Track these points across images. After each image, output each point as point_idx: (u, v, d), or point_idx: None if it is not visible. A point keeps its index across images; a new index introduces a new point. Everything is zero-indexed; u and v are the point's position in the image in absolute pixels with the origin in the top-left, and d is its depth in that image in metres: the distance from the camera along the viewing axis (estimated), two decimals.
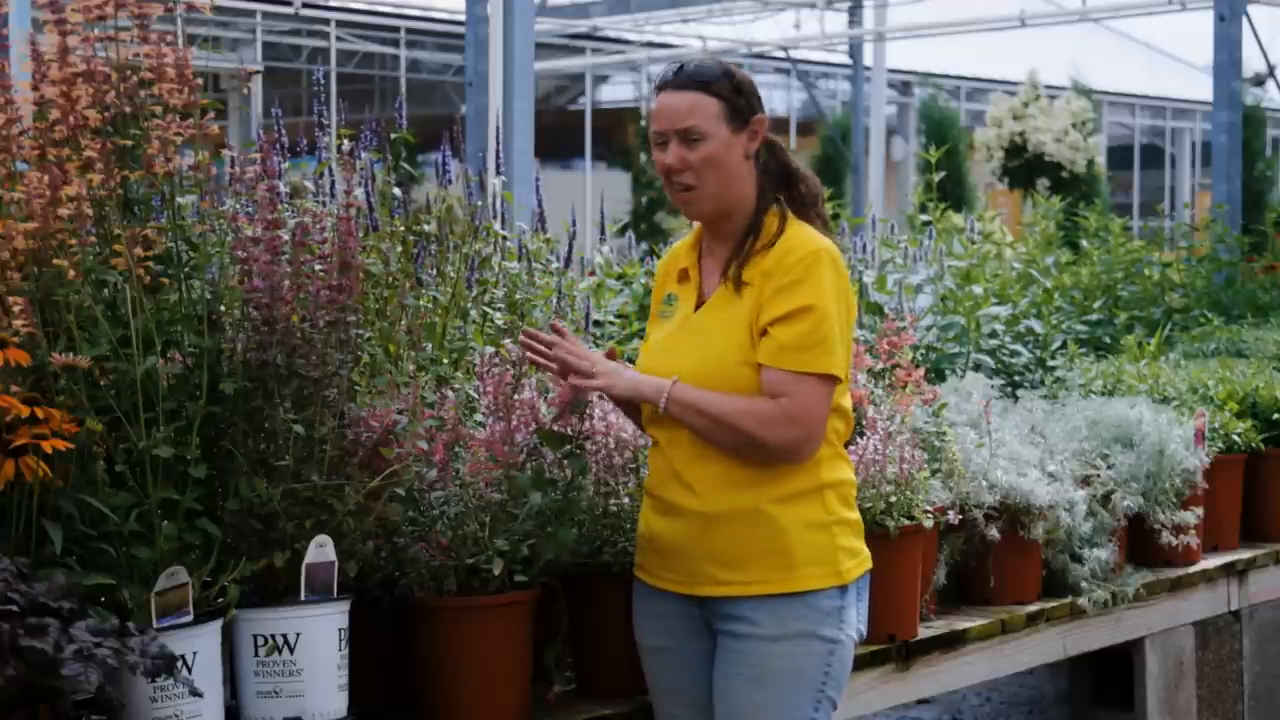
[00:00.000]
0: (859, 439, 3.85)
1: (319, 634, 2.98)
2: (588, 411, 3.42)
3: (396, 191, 4.25)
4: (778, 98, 22.11)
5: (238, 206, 3.20)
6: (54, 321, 2.89)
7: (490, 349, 3.73)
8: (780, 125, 21.55)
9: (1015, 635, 4.42)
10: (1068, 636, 4.61)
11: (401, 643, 3.31)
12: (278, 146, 3.67)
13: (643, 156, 19.20)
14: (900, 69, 21.37)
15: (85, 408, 2.84)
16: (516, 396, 3.38)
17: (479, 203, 4.43)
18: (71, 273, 2.85)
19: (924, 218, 7.16)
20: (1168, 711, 4.97)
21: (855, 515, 3.17)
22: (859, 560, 3.14)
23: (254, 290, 3.02)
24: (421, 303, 4.05)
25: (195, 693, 2.74)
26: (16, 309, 2.82)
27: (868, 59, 19.61)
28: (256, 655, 2.96)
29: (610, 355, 3.18)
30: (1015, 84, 16.29)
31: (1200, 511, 4.92)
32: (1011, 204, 16.71)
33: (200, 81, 3.04)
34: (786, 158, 3.20)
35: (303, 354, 3.02)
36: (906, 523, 3.92)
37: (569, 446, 3.37)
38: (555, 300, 4.48)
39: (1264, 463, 5.44)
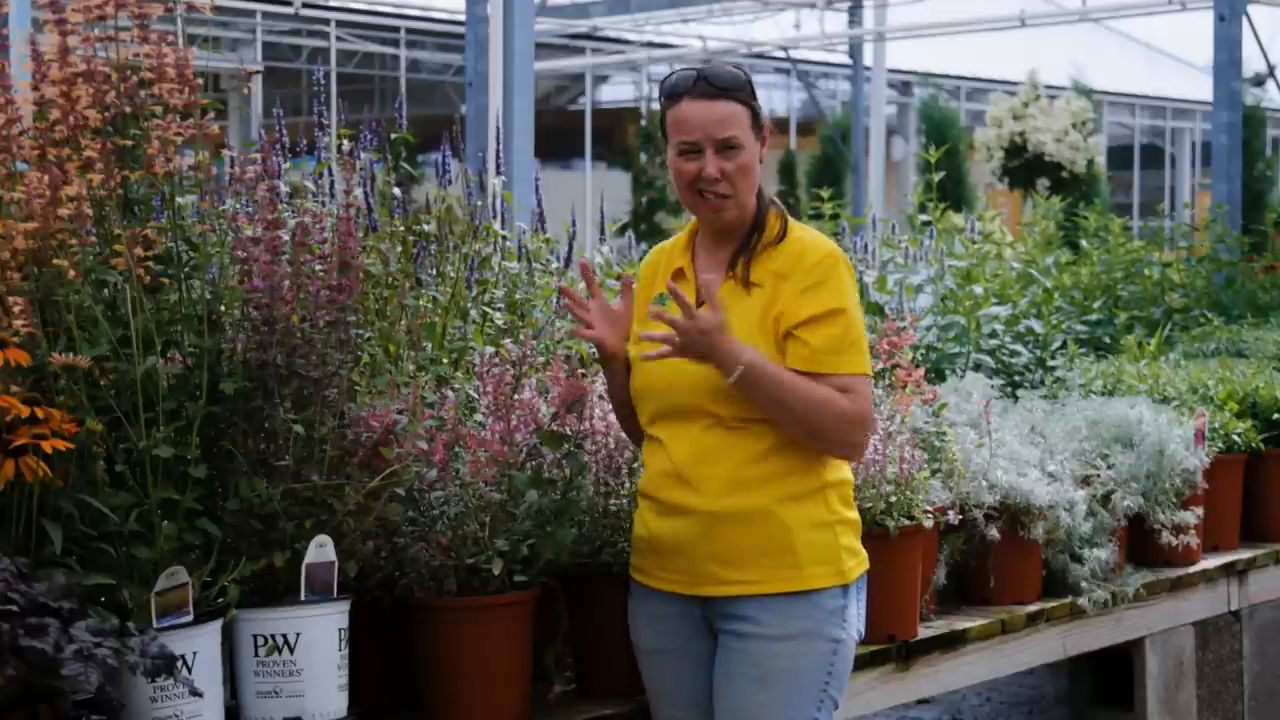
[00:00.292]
0: None
1: (319, 634, 2.98)
2: (587, 411, 3.42)
3: (396, 191, 4.25)
4: (778, 98, 22.13)
5: (238, 206, 3.20)
6: (54, 321, 2.89)
7: (490, 349, 3.73)
8: (780, 125, 21.57)
9: (1015, 635, 4.42)
10: (1068, 636, 4.61)
11: (401, 643, 3.31)
12: (278, 146, 3.67)
13: (643, 156, 19.21)
14: (900, 69, 21.38)
15: (85, 408, 2.84)
16: (516, 396, 3.38)
17: (479, 203, 4.44)
18: (71, 273, 2.85)
19: (924, 218, 7.15)
20: (1168, 711, 4.97)
21: (855, 515, 3.18)
22: (859, 560, 3.15)
23: (254, 290, 3.02)
24: (421, 303, 4.05)
25: (195, 693, 2.74)
26: (16, 309, 2.82)
27: (868, 59, 19.62)
28: (256, 655, 2.96)
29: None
30: (1015, 84, 16.29)
31: (1200, 511, 4.92)
32: (1011, 204, 16.71)
33: (200, 81, 3.04)
34: None
35: (303, 354, 3.02)
36: (906, 523, 3.92)
37: (568, 446, 3.37)
38: (555, 300, 4.48)
39: (1264, 463, 5.44)
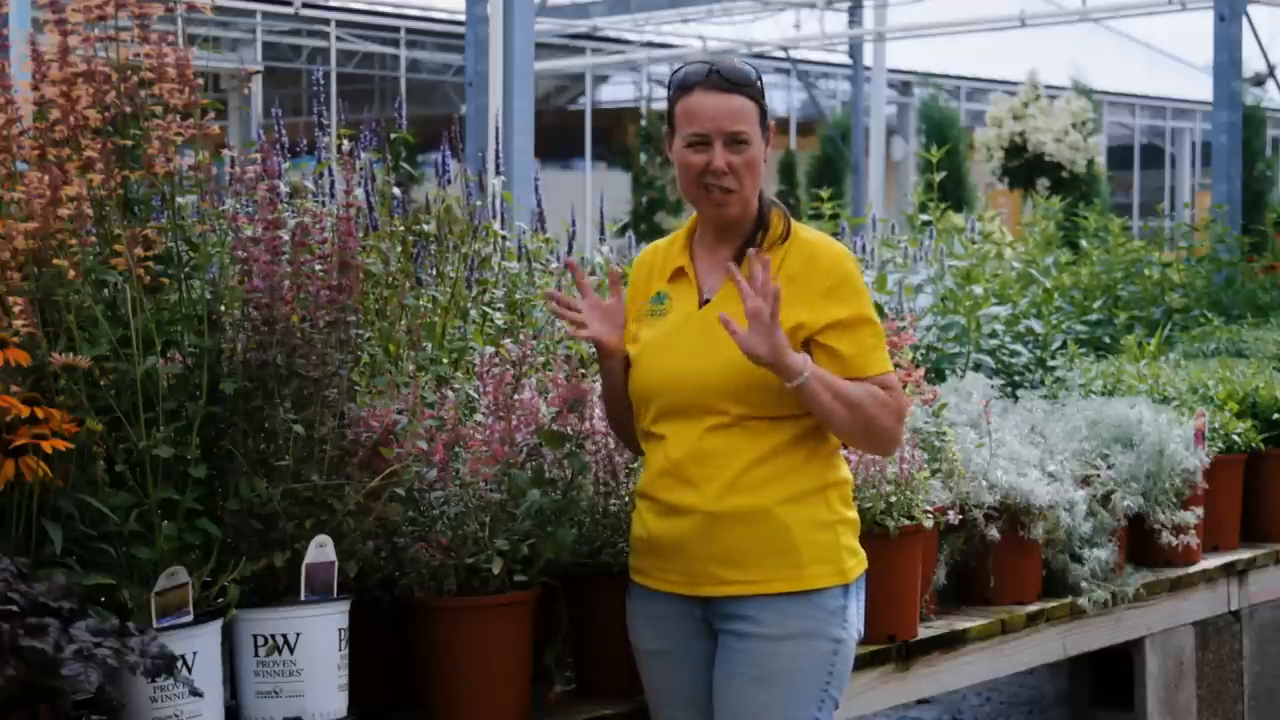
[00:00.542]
0: None
1: (319, 634, 2.98)
2: (587, 411, 3.42)
3: (396, 191, 4.25)
4: (778, 98, 22.13)
5: (238, 206, 3.20)
6: (54, 321, 2.89)
7: (490, 349, 3.73)
8: (780, 125, 21.56)
9: (1015, 635, 4.42)
10: (1068, 636, 4.61)
11: (401, 643, 3.31)
12: (278, 146, 3.67)
13: (643, 156, 19.22)
14: (900, 69, 21.38)
15: (85, 408, 2.84)
16: (516, 396, 3.38)
17: (478, 203, 4.44)
18: (71, 273, 2.85)
19: (924, 218, 7.15)
20: (1168, 711, 4.97)
21: (855, 515, 3.18)
22: (859, 560, 3.15)
23: (254, 290, 3.02)
24: (421, 303, 4.05)
25: (195, 693, 2.75)
26: (16, 309, 2.82)
27: (868, 59, 19.63)
28: (256, 655, 2.96)
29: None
30: (1015, 84, 16.29)
31: (1200, 511, 4.92)
32: (1011, 204, 16.71)
33: (200, 81, 3.04)
34: None
35: (303, 354, 3.02)
36: (906, 523, 3.92)
37: (569, 446, 3.37)
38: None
39: (1264, 463, 5.44)
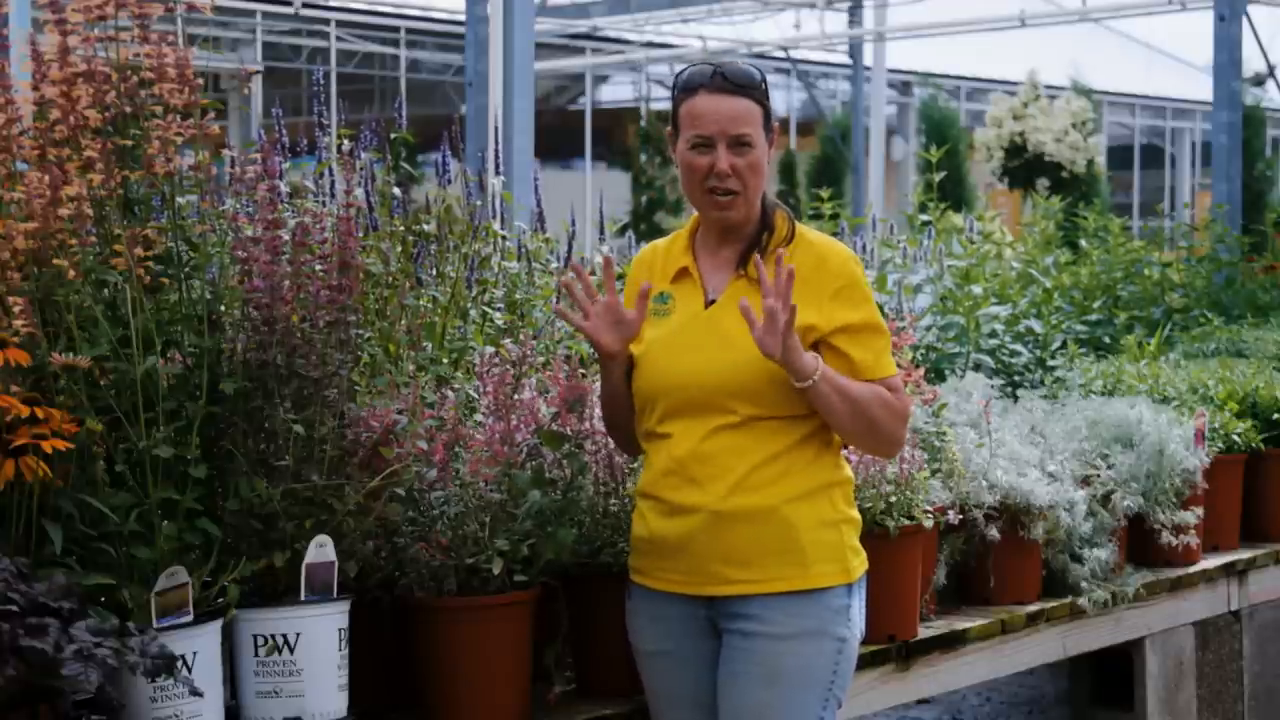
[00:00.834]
0: None
1: (319, 634, 2.98)
2: (588, 411, 3.42)
3: (396, 191, 4.25)
4: (778, 98, 22.11)
5: (238, 206, 3.20)
6: (54, 321, 2.89)
7: (490, 349, 3.73)
8: (780, 125, 21.49)
9: (1015, 635, 4.42)
10: (1068, 636, 4.61)
11: (401, 643, 3.31)
12: (278, 146, 3.67)
13: (642, 156, 19.22)
14: (900, 69, 21.38)
15: (85, 408, 2.84)
16: (516, 396, 3.38)
17: (478, 203, 4.44)
18: (71, 273, 2.85)
19: (924, 218, 7.15)
20: (1168, 711, 4.97)
21: (857, 514, 3.19)
22: (862, 559, 3.16)
23: (254, 290, 3.02)
24: (421, 303, 4.05)
25: (195, 693, 2.75)
26: (16, 309, 2.82)
27: (868, 59, 19.62)
28: (256, 655, 2.96)
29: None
30: (1015, 84, 16.28)
31: (1200, 511, 4.92)
32: (1011, 204, 16.70)
33: (200, 81, 3.04)
34: None
35: (303, 354, 3.02)
36: (906, 523, 3.93)
37: (569, 446, 3.37)
38: (555, 300, 4.48)
39: (1264, 463, 5.44)
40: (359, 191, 3.93)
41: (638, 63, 21.06)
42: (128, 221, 2.99)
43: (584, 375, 3.50)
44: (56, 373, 2.82)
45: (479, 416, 3.48)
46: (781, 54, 21.23)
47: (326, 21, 17.79)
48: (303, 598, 2.97)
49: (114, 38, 3.01)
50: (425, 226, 4.27)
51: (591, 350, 3.45)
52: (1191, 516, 4.87)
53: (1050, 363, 5.90)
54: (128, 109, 3.01)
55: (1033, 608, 4.49)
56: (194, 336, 3.00)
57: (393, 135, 4.32)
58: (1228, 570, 5.20)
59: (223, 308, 3.08)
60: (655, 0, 19.56)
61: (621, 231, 6.92)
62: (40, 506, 2.79)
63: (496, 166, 4.76)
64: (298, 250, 3.07)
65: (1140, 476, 4.77)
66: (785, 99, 22.33)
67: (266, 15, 17.18)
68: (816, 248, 3.12)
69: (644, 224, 18.13)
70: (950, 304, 6.05)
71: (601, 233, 5.26)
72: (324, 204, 4.05)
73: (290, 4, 16.58)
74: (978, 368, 5.61)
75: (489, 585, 3.23)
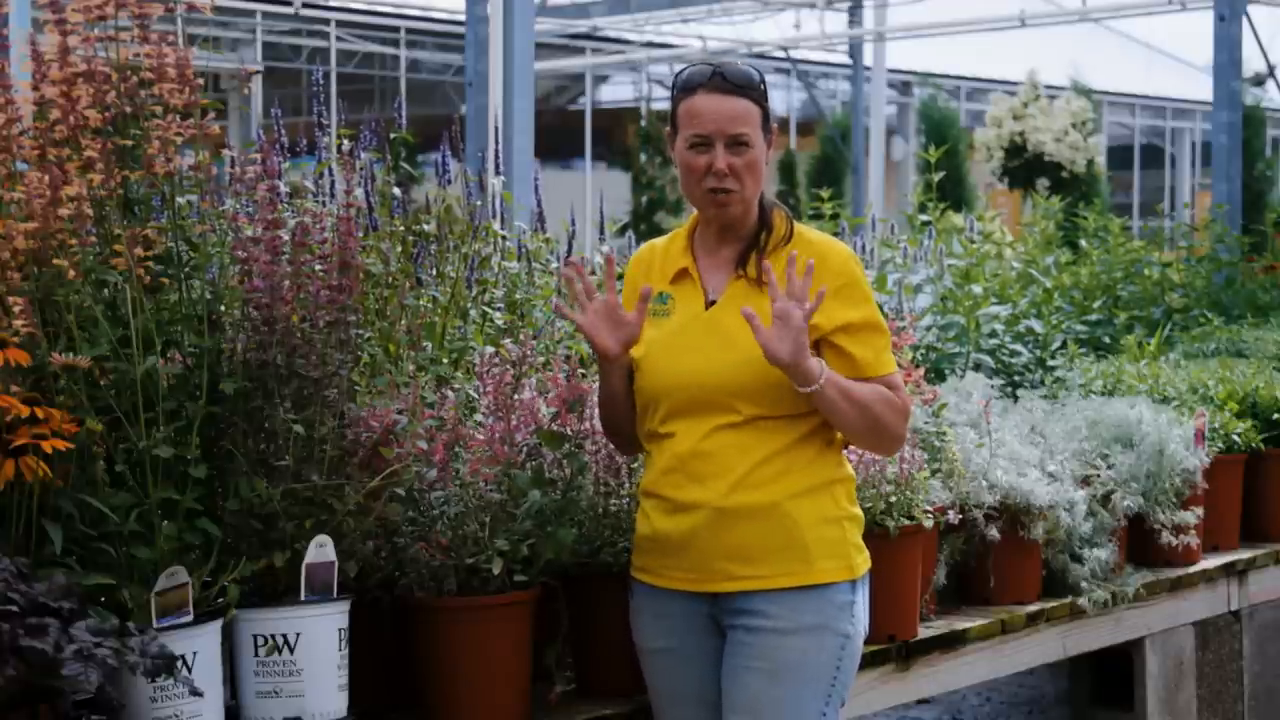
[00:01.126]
0: None
1: (319, 634, 2.98)
2: (587, 411, 3.42)
3: (396, 191, 4.25)
4: (778, 98, 22.11)
5: (238, 206, 3.20)
6: (54, 321, 2.89)
7: (490, 349, 3.73)
8: (780, 125, 21.45)
9: (1015, 635, 4.42)
10: (1068, 636, 4.61)
11: (401, 643, 3.31)
12: (278, 146, 3.67)
13: (642, 156, 19.22)
14: (900, 69, 21.38)
15: (85, 408, 2.84)
16: (516, 396, 3.38)
17: (478, 203, 4.43)
18: (71, 273, 2.85)
19: (924, 218, 7.15)
20: (1168, 711, 4.97)
21: (859, 512, 3.21)
22: (865, 557, 3.17)
23: (254, 290, 3.02)
24: (421, 303, 4.05)
25: (195, 693, 2.75)
26: (16, 309, 2.82)
27: (868, 59, 19.62)
28: (256, 655, 2.96)
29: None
30: (1015, 84, 16.28)
31: (1200, 511, 4.92)
32: (1011, 204, 16.70)
33: (200, 81, 3.04)
34: None
35: (303, 354, 3.02)
36: (906, 523, 3.93)
37: (569, 446, 3.37)
38: (555, 298, 4.48)
39: (1264, 463, 5.44)
40: (359, 191, 3.93)
41: (638, 63, 21.06)
42: (128, 221, 2.99)
43: (584, 375, 3.50)
44: (56, 373, 2.81)
45: (479, 416, 3.48)
46: (781, 54, 21.23)
47: (326, 21, 17.79)
48: (303, 598, 2.97)
49: (114, 38, 3.01)
50: (425, 226, 4.27)
51: (591, 351, 3.45)
52: (1191, 516, 4.87)
53: (1050, 363, 5.90)
54: (128, 109, 3.01)
55: (1033, 608, 4.49)
56: (194, 336, 3.00)
57: (393, 135, 4.32)
58: (1228, 570, 5.19)
59: (223, 308, 3.08)
60: (655, 0, 19.56)
61: (621, 231, 6.92)
62: (40, 506, 2.79)
63: (496, 166, 4.76)
64: (298, 250, 3.07)
65: (1140, 476, 4.77)
66: (785, 99, 22.33)
67: (266, 15, 17.18)
68: (816, 246, 3.13)
69: (644, 224, 18.12)
70: (950, 304, 6.05)
71: (601, 233, 5.26)
72: (324, 204, 4.05)
73: (290, 4, 16.58)
74: (978, 368, 5.61)
75: (489, 585, 3.23)
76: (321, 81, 4.29)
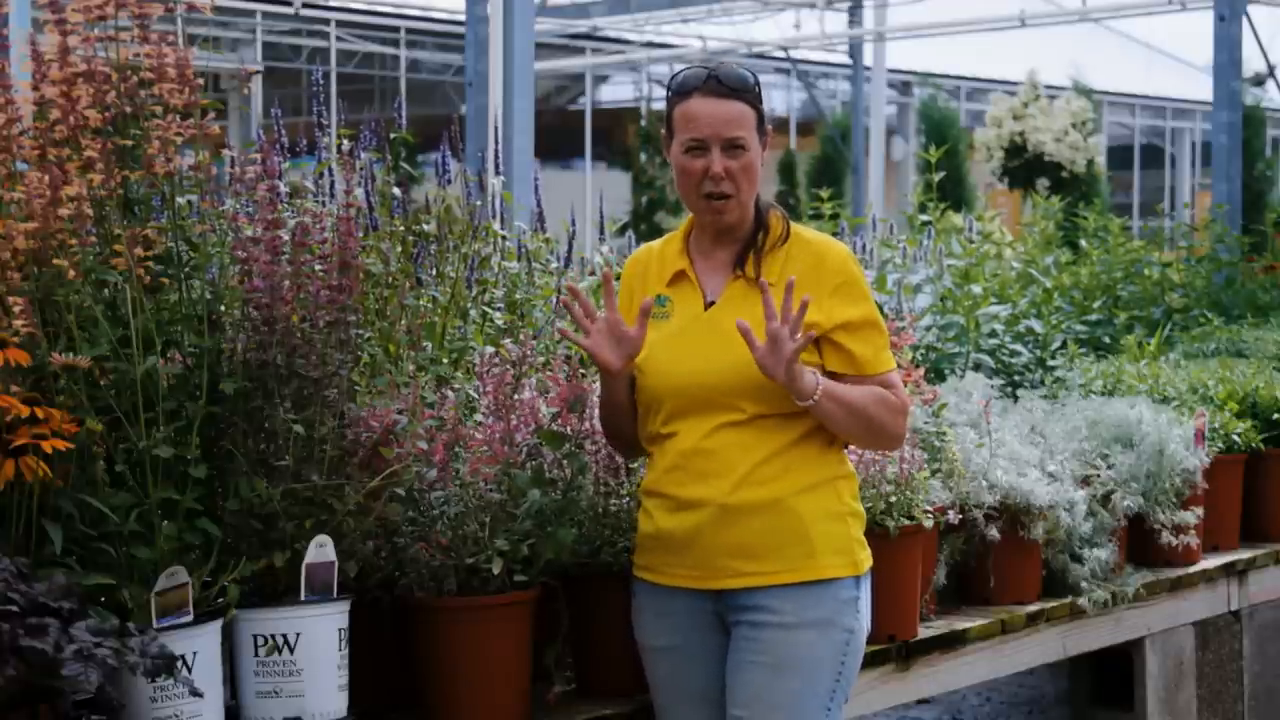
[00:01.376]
0: None
1: (319, 634, 2.98)
2: (588, 411, 3.42)
3: (396, 191, 4.24)
4: (778, 98, 22.11)
5: (238, 206, 3.20)
6: (54, 321, 2.89)
7: (490, 349, 3.73)
8: (780, 125, 21.56)
9: (1015, 635, 4.42)
10: (1068, 636, 4.61)
11: (401, 643, 3.31)
12: (278, 146, 3.67)
13: (642, 156, 19.21)
14: (900, 69, 21.38)
15: (85, 408, 2.84)
16: (516, 396, 3.38)
17: (478, 203, 4.43)
18: (71, 273, 2.85)
19: (923, 218, 7.15)
20: (1168, 711, 4.97)
21: (862, 509, 3.22)
22: (868, 554, 3.19)
23: (254, 290, 3.01)
24: (421, 303, 4.05)
25: (195, 693, 2.74)
26: (16, 309, 2.82)
27: (868, 59, 19.62)
28: (256, 655, 2.96)
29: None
30: (1015, 84, 16.27)
31: (1200, 511, 4.92)
32: (1011, 204, 16.70)
33: (200, 81, 3.04)
34: None
35: (303, 354, 3.02)
36: (906, 523, 3.93)
37: (569, 446, 3.37)
38: (555, 300, 4.48)
39: (1264, 463, 5.44)
40: (359, 191, 3.93)
41: (638, 63, 21.05)
42: (128, 221, 2.99)
43: (584, 375, 3.50)
44: (56, 373, 2.81)
45: (479, 416, 3.48)
46: (781, 54, 21.22)
47: (326, 21, 17.79)
48: (303, 598, 2.97)
49: (114, 38, 3.01)
50: (425, 226, 4.27)
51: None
52: (1191, 516, 4.87)
53: (1050, 363, 5.90)
54: (128, 109, 3.01)
55: (1033, 608, 4.49)
56: (194, 336, 3.00)
57: (393, 135, 4.32)
58: (1228, 570, 5.19)
59: (223, 308, 3.08)
60: (655, 0, 19.56)
61: (621, 231, 6.92)
62: (40, 506, 2.78)
63: (496, 166, 4.76)
64: (298, 250, 3.07)
65: (1140, 476, 4.77)
66: (785, 99, 22.33)
67: (266, 15, 17.18)
68: (813, 246, 3.14)
69: (644, 224, 18.12)
70: (950, 304, 6.05)
71: (601, 233, 5.26)
72: (324, 204, 4.05)
73: (290, 4, 16.57)
74: (978, 368, 5.61)
75: (489, 585, 3.23)
76: (321, 81, 4.29)
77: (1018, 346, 5.96)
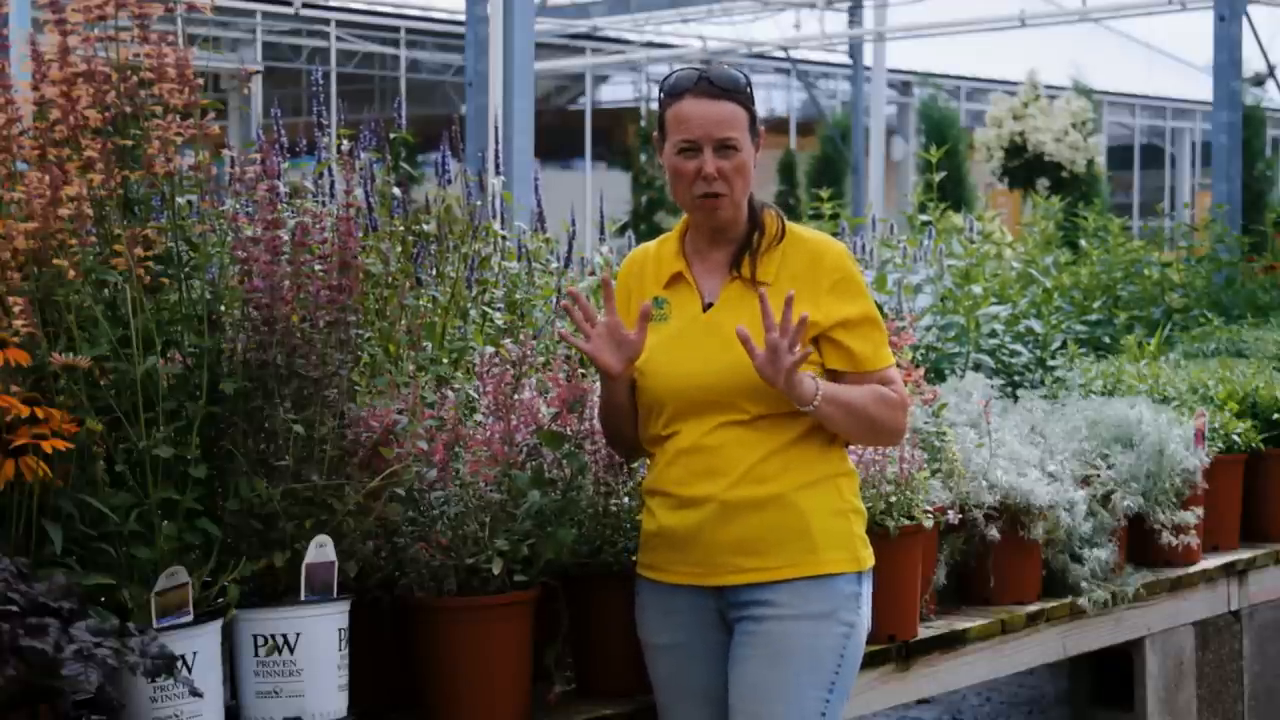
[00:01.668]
0: None
1: (319, 634, 2.98)
2: (587, 411, 3.42)
3: (396, 191, 4.24)
4: (778, 98, 22.12)
5: (238, 206, 3.20)
6: (54, 321, 2.88)
7: (490, 349, 3.73)
8: (780, 125, 21.57)
9: (1015, 635, 4.42)
10: (1068, 636, 4.61)
11: (401, 643, 3.31)
12: (278, 146, 3.67)
13: (643, 156, 19.21)
14: (900, 69, 21.38)
15: (85, 408, 2.84)
16: (516, 396, 3.38)
17: (478, 203, 4.43)
18: (71, 273, 2.85)
19: (924, 218, 7.15)
20: (1168, 711, 4.97)
21: (863, 507, 3.23)
22: (869, 551, 3.20)
23: (254, 290, 3.01)
24: (421, 303, 4.05)
25: (195, 693, 2.74)
26: (16, 309, 2.81)
27: (868, 59, 19.62)
28: (256, 655, 2.96)
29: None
30: (1015, 84, 16.28)
31: (1200, 511, 4.92)
32: (1011, 204, 16.70)
33: (200, 81, 3.04)
34: None
35: (303, 354, 3.02)
36: (906, 523, 3.93)
37: (569, 446, 3.37)
38: (555, 300, 4.48)
39: (1264, 463, 5.43)
40: (359, 191, 3.93)
41: (638, 63, 21.05)
42: (128, 221, 2.99)
43: (584, 375, 3.50)
44: (56, 373, 2.81)
45: (479, 416, 3.48)
46: (781, 54, 21.22)
47: (326, 21, 17.79)
48: (303, 598, 2.97)
49: (114, 38, 3.01)
50: (425, 226, 4.27)
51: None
52: (1191, 516, 4.87)
53: (1050, 363, 5.90)
54: (128, 109, 3.01)
55: (1033, 608, 4.49)
56: (194, 336, 3.00)
57: (392, 135, 4.32)
58: (1228, 570, 5.19)
59: (223, 308, 3.08)
60: (655, 0, 19.56)
61: (621, 231, 6.92)
62: (40, 506, 2.78)
63: (496, 166, 4.76)
64: (298, 250, 3.07)
65: (1140, 476, 4.77)
66: (785, 99, 22.33)
67: (266, 15, 17.18)
68: (810, 244, 3.15)
69: (644, 224, 18.12)
70: (950, 304, 6.05)
71: (601, 233, 5.26)
72: (324, 204, 4.05)
73: (290, 4, 16.57)
74: (978, 368, 5.61)
75: (489, 585, 3.23)
76: (321, 81, 4.29)
77: (1018, 346, 5.96)
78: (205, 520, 2.94)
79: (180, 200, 3.04)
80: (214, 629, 2.87)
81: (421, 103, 18.50)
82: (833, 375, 3.11)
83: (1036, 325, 6.11)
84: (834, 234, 6.50)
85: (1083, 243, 7.98)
